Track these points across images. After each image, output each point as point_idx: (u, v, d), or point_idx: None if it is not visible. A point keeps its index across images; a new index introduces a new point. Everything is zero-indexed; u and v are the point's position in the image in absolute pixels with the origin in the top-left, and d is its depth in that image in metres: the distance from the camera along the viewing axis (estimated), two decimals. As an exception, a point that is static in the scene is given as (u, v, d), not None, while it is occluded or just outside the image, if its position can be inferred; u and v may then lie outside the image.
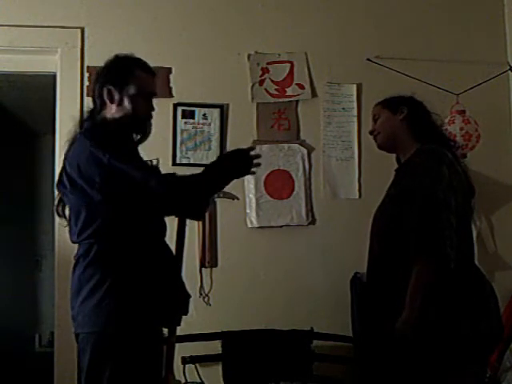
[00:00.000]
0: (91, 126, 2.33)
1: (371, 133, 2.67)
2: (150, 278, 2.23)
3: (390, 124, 2.59)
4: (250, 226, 3.49)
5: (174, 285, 2.33)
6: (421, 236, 2.28)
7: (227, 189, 3.19)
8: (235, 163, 2.29)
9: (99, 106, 2.35)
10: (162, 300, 2.26)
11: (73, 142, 2.33)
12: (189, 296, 2.40)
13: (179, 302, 2.35)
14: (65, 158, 2.33)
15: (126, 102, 2.31)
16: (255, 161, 2.30)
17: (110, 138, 2.23)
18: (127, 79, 2.32)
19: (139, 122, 2.36)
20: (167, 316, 2.31)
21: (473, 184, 2.52)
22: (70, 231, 2.34)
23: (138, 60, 2.38)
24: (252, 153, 2.31)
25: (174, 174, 2.23)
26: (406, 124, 2.56)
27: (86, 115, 2.44)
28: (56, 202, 2.40)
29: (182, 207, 2.28)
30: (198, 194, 2.25)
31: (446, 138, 2.63)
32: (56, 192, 2.41)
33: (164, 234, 2.38)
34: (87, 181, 2.21)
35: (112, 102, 2.32)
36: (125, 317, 2.18)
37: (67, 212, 2.37)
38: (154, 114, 2.40)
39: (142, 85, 2.34)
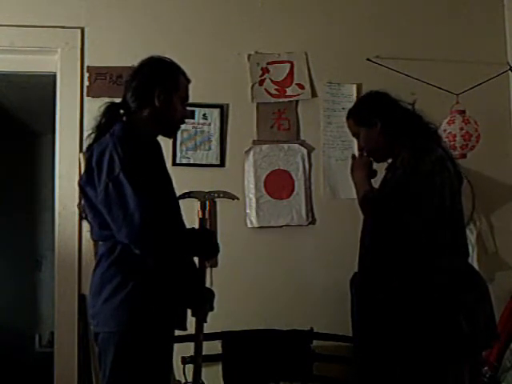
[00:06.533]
0: (122, 128, 2.30)
1: (360, 150, 2.69)
2: (172, 278, 2.25)
3: (371, 140, 2.62)
4: (249, 226, 3.49)
5: (196, 283, 2.38)
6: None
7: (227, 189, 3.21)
8: (206, 247, 2.39)
9: (137, 106, 2.35)
10: (181, 301, 2.30)
11: (98, 137, 2.32)
12: (213, 293, 2.47)
13: (203, 299, 2.40)
14: (90, 154, 2.29)
15: (172, 105, 2.37)
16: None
17: (135, 147, 2.22)
18: (175, 84, 2.39)
19: (176, 127, 2.47)
20: (180, 317, 2.33)
21: (461, 173, 2.55)
22: (91, 229, 2.35)
23: (179, 66, 2.45)
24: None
25: (161, 228, 2.17)
26: (386, 134, 2.57)
27: (114, 111, 2.40)
28: (79, 200, 2.44)
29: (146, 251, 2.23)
30: (167, 253, 2.24)
31: (428, 130, 2.59)
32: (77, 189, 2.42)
33: None
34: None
35: (160, 104, 2.35)
36: (148, 316, 2.19)
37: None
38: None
39: (184, 91, 2.44)
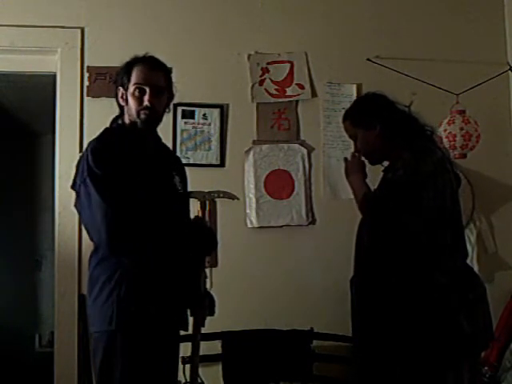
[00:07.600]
0: (103, 132, 2.38)
1: (357, 152, 2.69)
2: (159, 277, 2.24)
3: (369, 142, 2.61)
4: (249, 226, 3.49)
5: (188, 284, 2.35)
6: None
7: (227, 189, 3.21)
8: (203, 243, 2.37)
9: (120, 110, 2.41)
10: (172, 300, 2.28)
11: None
12: (212, 298, 2.47)
13: (198, 299, 2.38)
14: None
15: (131, 101, 2.34)
16: None
17: (108, 150, 2.25)
18: (128, 78, 2.34)
19: (143, 116, 2.33)
20: (177, 317, 2.33)
21: (459, 174, 2.58)
22: None
23: (139, 56, 2.39)
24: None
25: (126, 227, 2.17)
26: (384, 136, 2.56)
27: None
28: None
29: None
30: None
31: (424, 132, 2.60)
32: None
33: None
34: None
35: (124, 102, 2.37)
36: (136, 316, 2.18)
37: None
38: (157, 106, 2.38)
39: (138, 79, 2.33)
